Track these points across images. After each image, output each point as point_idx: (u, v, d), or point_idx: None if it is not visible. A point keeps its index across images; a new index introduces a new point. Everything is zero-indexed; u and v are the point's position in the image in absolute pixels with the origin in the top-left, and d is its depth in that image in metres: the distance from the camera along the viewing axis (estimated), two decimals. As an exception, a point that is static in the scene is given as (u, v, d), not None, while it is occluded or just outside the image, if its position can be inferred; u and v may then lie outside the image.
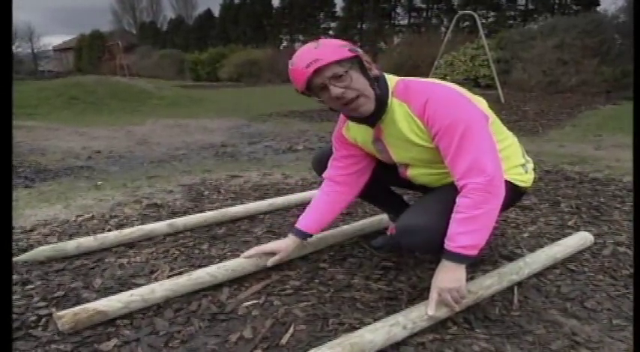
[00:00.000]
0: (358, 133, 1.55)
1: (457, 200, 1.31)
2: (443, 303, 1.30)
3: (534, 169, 1.62)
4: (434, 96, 1.32)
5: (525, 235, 2.05)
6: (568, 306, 1.45)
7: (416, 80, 1.41)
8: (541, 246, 1.84)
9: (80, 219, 2.30)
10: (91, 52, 34.95)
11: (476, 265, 1.70)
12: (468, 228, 1.28)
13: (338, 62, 1.27)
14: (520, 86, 11.29)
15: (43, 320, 1.35)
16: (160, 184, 3.03)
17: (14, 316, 1.36)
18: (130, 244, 1.92)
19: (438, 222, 1.34)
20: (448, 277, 1.31)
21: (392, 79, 1.41)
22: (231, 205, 2.44)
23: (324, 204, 1.67)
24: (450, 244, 1.30)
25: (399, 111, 1.38)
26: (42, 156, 4.06)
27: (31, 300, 1.46)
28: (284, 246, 1.63)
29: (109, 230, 2.11)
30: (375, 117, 1.40)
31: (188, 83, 19.87)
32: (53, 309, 1.39)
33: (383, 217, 2.07)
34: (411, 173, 1.56)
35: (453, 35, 10.52)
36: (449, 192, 1.45)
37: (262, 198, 2.60)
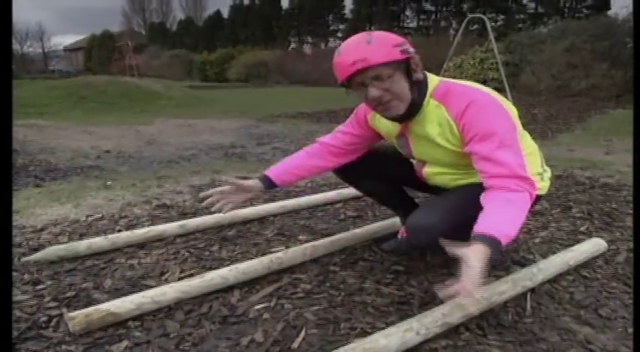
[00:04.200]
0: (384, 124, 1.54)
1: (488, 192, 1.26)
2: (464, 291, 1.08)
3: (550, 178, 1.60)
4: (475, 102, 1.29)
5: (537, 241, 2.03)
6: (582, 314, 1.43)
7: (458, 83, 1.38)
8: (553, 252, 1.82)
9: (90, 218, 2.31)
10: (101, 52, 35.26)
11: (488, 271, 1.68)
12: (503, 217, 1.19)
13: (386, 64, 1.24)
14: (529, 90, 11.24)
15: (54, 320, 1.35)
16: (169, 184, 3.04)
17: (25, 316, 1.37)
18: (141, 245, 1.92)
19: (449, 221, 1.33)
20: (476, 270, 1.17)
21: (433, 80, 1.38)
22: (241, 207, 2.43)
23: (300, 159, 1.68)
24: (490, 228, 1.17)
25: (434, 112, 1.37)
26: (52, 155, 4.09)
27: (42, 300, 1.46)
28: (240, 188, 1.64)
29: (119, 230, 2.12)
30: (404, 117, 1.39)
31: (196, 83, 19.96)
32: (64, 310, 1.40)
33: (395, 220, 2.05)
34: (427, 171, 1.56)
35: (462, 38, 10.49)
36: (461, 193, 1.45)
37: (272, 199, 2.60)
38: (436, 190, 1.62)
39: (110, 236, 1.89)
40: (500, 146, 1.26)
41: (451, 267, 1.68)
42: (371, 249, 1.88)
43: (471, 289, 1.05)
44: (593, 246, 1.82)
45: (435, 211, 1.38)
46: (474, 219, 1.22)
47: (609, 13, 17.02)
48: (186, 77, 24.92)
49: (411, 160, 1.64)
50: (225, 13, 38.06)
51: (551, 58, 11.49)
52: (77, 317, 1.26)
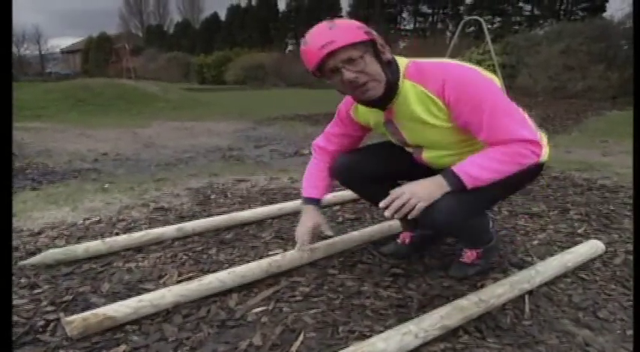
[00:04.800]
0: (369, 115, 1.53)
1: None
2: (396, 200, 1.31)
3: (548, 143, 1.56)
4: (451, 76, 1.30)
5: (535, 243, 2.03)
6: (580, 316, 1.43)
7: (427, 61, 1.38)
8: (551, 254, 1.83)
9: (88, 222, 2.30)
10: (98, 54, 35.20)
11: (486, 273, 1.69)
12: (484, 163, 1.29)
13: (353, 45, 1.24)
14: (526, 91, 11.28)
15: (51, 325, 1.34)
16: (167, 187, 3.03)
17: (22, 320, 1.36)
18: (138, 248, 1.91)
19: (464, 206, 1.37)
20: (426, 187, 1.32)
21: (402, 61, 1.38)
22: (239, 209, 2.43)
23: (322, 172, 1.70)
24: (460, 167, 1.32)
25: (412, 92, 1.36)
26: (49, 158, 4.08)
27: (39, 305, 1.45)
28: (317, 218, 1.65)
29: (117, 233, 2.11)
30: (384, 101, 1.38)
31: (194, 86, 19.96)
32: (61, 314, 1.39)
33: (392, 223, 2.05)
34: (426, 156, 1.54)
35: (459, 40, 10.53)
36: None
37: (269, 202, 2.59)
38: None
39: (108, 239, 1.89)
40: (492, 112, 1.27)
41: (449, 271, 1.69)
42: (369, 252, 1.88)
43: (392, 198, 1.30)
44: (590, 248, 1.82)
45: (452, 195, 1.36)
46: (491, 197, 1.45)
47: (605, 15, 17.11)
48: (184, 79, 24.91)
49: (408, 149, 1.62)
50: (223, 16, 38.09)
51: (547, 60, 11.53)
52: (74, 322, 1.25)
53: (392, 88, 1.35)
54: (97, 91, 9.43)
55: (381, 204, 1.32)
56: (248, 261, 1.74)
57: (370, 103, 1.41)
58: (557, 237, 2.10)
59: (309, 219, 1.64)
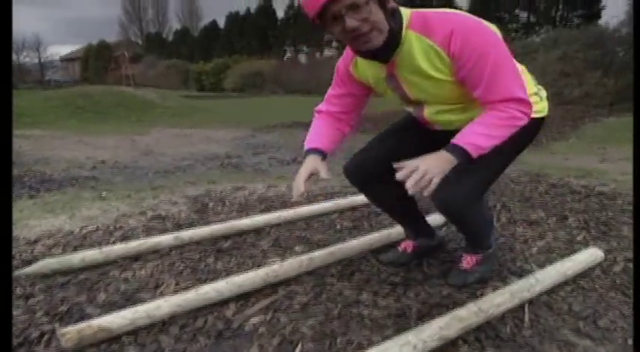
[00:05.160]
0: (368, 70, 1.47)
1: (482, 114, 1.33)
2: (414, 174, 1.23)
3: (547, 98, 1.56)
4: (458, 26, 1.26)
5: (534, 250, 2.02)
6: (581, 325, 1.42)
7: (432, 11, 1.33)
8: (551, 262, 1.82)
9: (85, 230, 2.29)
10: (97, 61, 35.30)
11: (485, 281, 1.68)
12: (483, 131, 1.29)
13: None
14: (524, 98, 11.31)
15: (46, 336, 1.33)
16: (165, 195, 3.02)
17: (17, 332, 1.34)
18: (135, 257, 1.90)
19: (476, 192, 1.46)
20: (437, 161, 1.28)
21: (406, 12, 1.32)
22: (237, 217, 2.42)
23: (326, 128, 1.61)
24: (461, 139, 1.30)
25: (416, 44, 1.31)
26: (47, 166, 4.07)
27: (34, 315, 1.44)
28: (315, 165, 1.52)
29: (114, 242, 2.10)
30: (386, 52, 1.32)
31: (193, 93, 19.99)
32: (56, 325, 1.37)
33: (391, 231, 2.04)
34: (428, 113, 1.51)
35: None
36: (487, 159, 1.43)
37: (268, 210, 2.58)
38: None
39: (104, 248, 1.87)
40: (493, 68, 1.26)
41: (447, 279, 1.68)
42: (368, 261, 1.87)
43: (409, 170, 1.23)
44: (590, 255, 1.81)
45: (466, 180, 1.43)
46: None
47: (600, 22, 17.18)
48: (183, 87, 24.97)
49: (408, 109, 1.61)
50: (222, 23, 38.24)
51: (544, 67, 11.58)
52: (69, 333, 1.24)
53: (395, 39, 1.29)
54: (96, 99, 9.45)
55: (399, 176, 1.24)
56: (246, 270, 1.72)
57: (371, 55, 1.35)
58: (557, 245, 2.09)
59: (307, 167, 1.52)
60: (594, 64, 11.33)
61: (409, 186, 1.22)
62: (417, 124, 1.65)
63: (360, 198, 2.65)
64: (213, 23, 39.80)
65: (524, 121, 1.31)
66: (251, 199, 2.89)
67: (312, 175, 1.52)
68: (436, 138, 1.46)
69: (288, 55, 30.84)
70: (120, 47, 31.91)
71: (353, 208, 2.58)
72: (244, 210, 2.65)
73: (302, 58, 28.14)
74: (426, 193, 1.25)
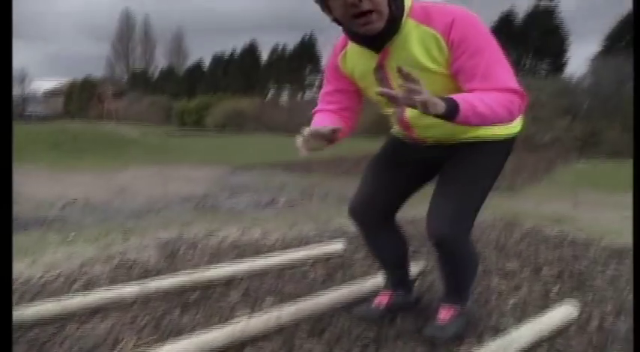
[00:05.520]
0: (358, 61, 1.43)
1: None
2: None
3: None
4: (460, 17, 1.26)
5: (510, 304, 1.98)
6: (556, 388, 1.37)
7: (432, 2, 1.33)
8: (526, 317, 1.79)
9: (45, 278, 2.17)
10: (81, 96, 35.23)
11: (461, 337, 1.63)
12: (479, 96, 1.21)
13: None
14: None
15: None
16: (135, 238, 2.92)
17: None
18: (96, 309, 1.80)
19: (464, 209, 1.47)
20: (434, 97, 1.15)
21: (407, 1, 1.31)
22: (207, 264, 2.34)
23: (332, 119, 1.48)
24: (457, 96, 1.18)
25: (415, 32, 1.29)
26: (15, 205, 3.92)
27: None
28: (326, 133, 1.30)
29: (76, 290, 1.99)
30: (383, 38, 1.30)
31: (175, 130, 19.98)
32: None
33: (363, 285, 1.99)
34: (410, 114, 1.44)
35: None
36: (469, 180, 1.48)
37: (240, 257, 2.51)
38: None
39: (61, 300, 1.77)
40: (490, 61, 1.25)
41: (423, 332, 1.63)
42: (340, 315, 1.80)
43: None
44: (564, 313, 1.79)
45: (454, 215, 1.46)
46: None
47: (565, 74, 18.00)
48: (165, 123, 24.97)
49: (388, 112, 1.54)
50: (207, 62, 38.83)
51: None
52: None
53: (394, 26, 1.27)
54: (75, 135, 9.35)
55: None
56: (212, 325, 1.64)
57: (367, 40, 1.32)
58: (532, 298, 2.06)
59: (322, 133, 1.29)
60: (563, 110, 11.82)
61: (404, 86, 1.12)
62: (401, 149, 1.66)
63: (335, 247, 2.61)
64: (199, 62, 40.40)
65: (518, 112, 1.29)
66: (223, 245, 2.81)
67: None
68: (427, 159, 1.59)
69: (271, 95, 31.31)
70: (104, 83, 32.01)
71: (327, 258, 2.52)
72: (216, 256, 2.57)
73: (284, 99, 28.59)
74: (413, 103, 1.13)
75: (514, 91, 1.26)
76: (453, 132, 1.46)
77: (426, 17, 1.29)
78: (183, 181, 5.68)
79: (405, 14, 1.29)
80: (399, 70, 1.09)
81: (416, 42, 1.29)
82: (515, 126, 1.53)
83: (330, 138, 1.28)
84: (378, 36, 1.28)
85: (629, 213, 4.06)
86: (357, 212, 1.69)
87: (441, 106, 1.13)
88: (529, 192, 5.34)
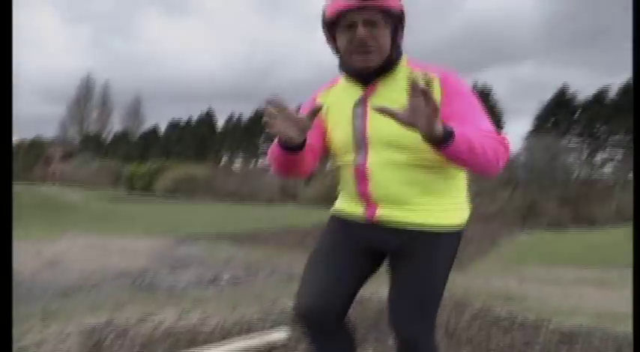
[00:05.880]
0: (341, 96, 1.42)
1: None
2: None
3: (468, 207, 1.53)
4: (449, 71, 1.33)
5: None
6: None
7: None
8: None
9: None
10: (27, 157, 33.85)
11: None
12: (476, 133, 1.17)
13: (389, 11, 1.26)
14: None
15: None
16: (57, 325, 2.62)
17: None
18: None
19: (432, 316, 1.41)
20: (431, 119, 1.08)
21: (405, 54, 1.39)
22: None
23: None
24: (452, 126, 1.14)
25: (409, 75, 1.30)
26: None
27: None
28: (302, 120, 1.19)
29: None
30: (376, 73, 1.33)
31: (122, 194, 19.30)
32: None
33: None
34: (372, 161, 1.33)
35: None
36: (429, 276, 1.39)
37: (173, 347, 2.29)
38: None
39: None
40: (479, 111, 1.29)
41: None
42: None
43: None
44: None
45: (419, 314, 1.40)
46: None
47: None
48: (113, 187, 24.16)
49: (347, 159, 1.40)
50: (163, 127, 38.74)
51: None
52: None
53: (389, 65, 1.34)
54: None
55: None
56: None
57: (360, 73, 1.34)
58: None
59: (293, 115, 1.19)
60: (504, 183, 12.52)
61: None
62: (346, 234, 1.48)
63: (278, 336, 2.44)
64: (154, 127, 40.33)
65: (503, 162, 1.25)
66: (157, 333, 2.56)
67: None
68: (375, 245, 1.43)
69: (224, 162, 31.33)
70: (54, 144, 30.99)
71: (269, 349, 2.34)
72: (147, 347, 2.33)
73: (236, 166, 28.63)
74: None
75: (502, 141, 1.24)
76: (409, 195, 1.33)
77: (423, 66, 1.35)
78: (122, 253, 5.35)
79: (401, 61, 1.37)
80: (378, 109, 1.11)
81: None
82: (467, 212, 1.48)
83: (304, 123, 1.17)
84: (372, 70, 1.33)
85: (571, 289, 4.14)
86: (306, 316, 1.45)
87: (439, 128, 1.09)
88: (477, 267, 5.39)
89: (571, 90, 24.16)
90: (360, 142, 1.36)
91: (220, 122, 34.33)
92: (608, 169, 22.13)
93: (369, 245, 1.45)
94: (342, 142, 1.40)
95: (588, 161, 22.28)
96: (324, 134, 1.46)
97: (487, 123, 1.28)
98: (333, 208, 1.55)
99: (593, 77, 48.30)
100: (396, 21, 1.31)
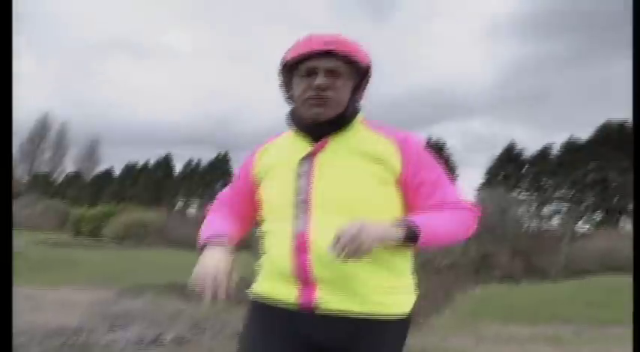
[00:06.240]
0: (283, 152, 1.25)
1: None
2: (342, 237, 1.00)
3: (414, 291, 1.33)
4: (411, 135, 1.24)
5: None
6: None
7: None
8: None
9: None
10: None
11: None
12: (441, 222, 1.14)
13: (354, 63, 1.18)
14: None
15: None
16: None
17: None
18: None
19: None
20: (377, 226, 1.04)
21: (362, 112, 1.28)
22: None
23: (229, 226, 1.29)
24: (416, 217, 1.12)
25: (365, 134, 1.22)
26: None
27: None
28: (226, 260, 1.13)
29: None
30: (329, 127, 1.19)
31: (68, 239, 18.28)
32: None
33: None
34: (315, 226, 1.12)
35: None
36: None
37: None
38: None
39: None
40: (445, 179, 1.22)
41: None
42: None
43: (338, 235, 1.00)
44: None
45: None
46: None
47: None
48: (59, 231, 22.89)
49: (283, 226, 1.17)
50: (118, 170, 37.65)
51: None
52: None
53: (344, 120, 1.20)
54: None
55: (329, 248, 1.02)
56: None
57: (310, 126, 1.20)
58: None
59: (216, 257, 1.12)
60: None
61: (334, 251, 1.01)
62: (270, 332, 1.20)
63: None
64: (109, 170, 39.22)
65: (474, 226, 1.23)
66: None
67: (228, 268, 1.11)
68: (310, 343, 1.15)
69: (179, 207, 30.60)
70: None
71: None
72: None
73: (192, 212, 27.97)
74: (358, 256, 1.01)
75: (469, 209, 1.22)
76: (357, 274, 1.11)
77: (379, 127, 1.24)
78: (57, 308, 4.92)
79: (358, 117, 1.24)
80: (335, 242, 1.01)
81: (365, 140, 1.20)
82: (415, 295, 1.28)
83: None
84: (324, 123, 1.19)
85: (527, 347, 4.11)
86: None
87: (398, 233, 1.06)
88: (434, 324, 5.30)
89: (519, 146, 25.52)
90: (302, 205, 1.15)
91: (179, 167, 33.83)
92: (555, 221, 23.14)
93: (303, 341, 1.16)
94: (279, 205, 1.19)
95: (537, 213, 23.24)
96: (253, 199, 1.30)
97: (453, 192, 1.22)
98: (252, 291, 1.27)
99: (537, 134, 51.52)
100: (360, 75, 1.23)
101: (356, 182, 1.14)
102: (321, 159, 1.18)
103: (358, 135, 1.21)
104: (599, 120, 23.61)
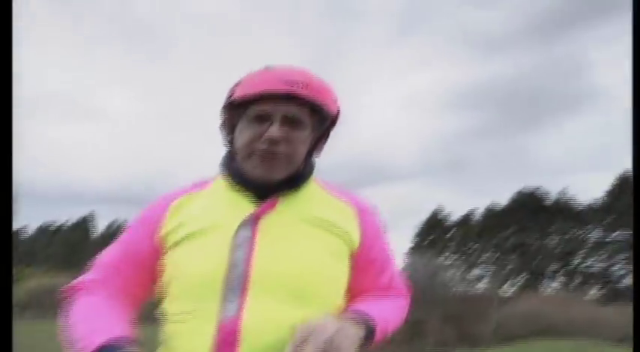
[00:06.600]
0: (215, 210, 0.95)
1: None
2: (316, 337, 0.76)
3: None
4: (371, 205, 1.08)
5: None
6: None
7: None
8: None
9: None
10: None
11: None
12: (391, 315, 1.01)
13: (320, 110, 0.93)
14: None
15: None
16: None
17: None
18: None
19: None
20: (350, 327, 0.83)
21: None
22: None
23: (118, 303, 0.94)
24: (376, 311, 0.95)
25: (321, 197, 1.01)
26: None
27: None
28: None
29: None
30: (278, 187, 0.95)
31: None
32: None
33: None
34: (251, 313, 0.84)
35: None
36: None
37: None
38: None
39: None
40: (392, 258, 1.10)
41: None
42: None
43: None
44: None
45: None
46: None
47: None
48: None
49: (206, 311, 0.86)
50: (30, 232, 34.79)
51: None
52: None
53: (296, 179, 0.97)
54: None
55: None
56: None
57: (255, 183, 0.94)
58: None
59: None
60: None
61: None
62: None
63: None
64: (19, 230, 36.22)
65: (407, 307, 1.14)
66: None
67: None
68: None
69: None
70: None
71: None
72: None
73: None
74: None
75: (405, 294, 1.13)
76: None
77: (337, 190, 1.06)
78: None
79: (312, 176, 1.03)
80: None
81: (320, 205, 0.99)
82: None
83: None
84: (274, 184, 0.95)
85: None
86: None
87: (359, 334, 0.85)
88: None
89: (445, 210, 26.67)
90: (236, 284, 0.87)
91: (102, 227, 31.94)
92: (482, 285, 23.86)
93: None
94: (202, 282, 0.88)
95: (463, 277, 23.92)
96: (153, 269, 0.97)
97: (397, 274, 1.11)
98: None
99: (461, 200, 54.95)
100: (324, 126, 1.00)
101: (307, 256, 0.90)
102: (266, 224, 0.92)
103: (313, 198, 1.00)
104: (516, 187, 25.50)
